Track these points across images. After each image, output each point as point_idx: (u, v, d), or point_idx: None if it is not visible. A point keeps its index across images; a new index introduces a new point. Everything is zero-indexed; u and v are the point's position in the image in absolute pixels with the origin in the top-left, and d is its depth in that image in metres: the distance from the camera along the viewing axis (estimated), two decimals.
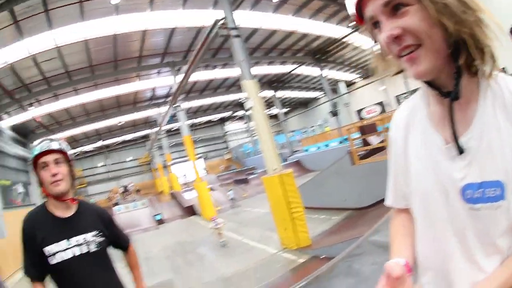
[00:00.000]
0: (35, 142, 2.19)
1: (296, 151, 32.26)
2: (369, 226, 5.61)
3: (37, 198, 26.83)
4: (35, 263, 2.07)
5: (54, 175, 2.05)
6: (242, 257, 10.29)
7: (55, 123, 28.18)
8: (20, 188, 24.92)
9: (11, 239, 20.10)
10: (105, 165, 44.85)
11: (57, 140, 2.16)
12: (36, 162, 2.11)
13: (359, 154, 11.74)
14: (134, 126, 39.06)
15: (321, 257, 7.67)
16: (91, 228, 2.19)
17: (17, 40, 14.74)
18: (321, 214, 11.95)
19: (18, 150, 25.28)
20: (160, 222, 22.71)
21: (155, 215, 23.33)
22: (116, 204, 27.49)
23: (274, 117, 38.32)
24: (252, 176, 27.84)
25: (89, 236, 2.15)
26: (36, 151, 2.07)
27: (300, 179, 9.61)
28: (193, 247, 13.53)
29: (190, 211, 22.96)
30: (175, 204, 26.45)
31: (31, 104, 21.77)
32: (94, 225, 2.22)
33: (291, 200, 9.00)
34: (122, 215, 23.24)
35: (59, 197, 2.12)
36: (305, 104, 42.57)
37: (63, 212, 2.17)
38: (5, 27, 13.59)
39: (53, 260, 2.03)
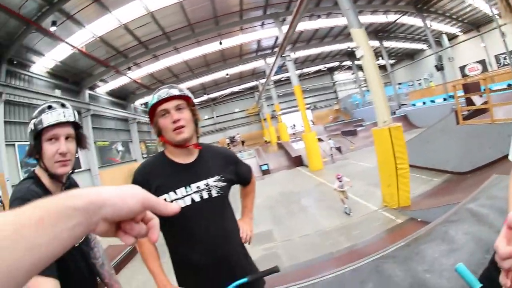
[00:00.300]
0: (154, 93, 2.02)
1: (403, 104, 30.58)
2: (466, 193, 5.29)
3: (138, 154, 30.06)
4: None
5: (175, 121, 1.92)
6: (344, 210, 10.16)
7: (157, 81, 29.83)
8: (119, 147, 27.80)
9: None
10: (212, 117, 46.91)
11: (177, 87, 2.01)
12: (154, 111, 2.00)
13: (462, 113, 10.93)
14: (240, 78, 40.10)
15: (418, 220, 7.52)
16: (213, 173, 2.08)
17: (103, 14, 15.85)
18: (423, 174, 11.37)
19: (117, 112, 28.00)
20: (266, 172, 22.76)
21: (262, 165, 23.42)
22: None
23: (381, 68, 36.18)
24: (360, 128, 27.05)
25: (211, 181, 2.05)
26: (155, 99, 1.96)
27: (406, 134, 9.13)
28: (297, 198, 13.61)
29: (297, 161, 22.75)
30: (282, 155, 26.45)
31: (129, 68, 23.26)
32: (216, 169, 2.11)
33: (397, 155, 8.65)
34: None
35: (182, 145, 2.01)
36: (411, 56, 39.75)
37: (184, 158, 2.07)
38: (86, 6, 14.71)
39: None
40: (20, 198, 1.58)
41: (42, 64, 18.86)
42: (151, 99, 2.00)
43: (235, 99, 47.61)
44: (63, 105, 1.77)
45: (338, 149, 22.64)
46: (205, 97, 43.10)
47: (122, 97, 30.73)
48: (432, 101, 24.92)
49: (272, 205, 12.88)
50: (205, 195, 2.00)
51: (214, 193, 2.03)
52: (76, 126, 1.84)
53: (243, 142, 40.19)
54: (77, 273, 1.75)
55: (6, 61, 15.57)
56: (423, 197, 9.25)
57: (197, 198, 1.98)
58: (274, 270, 2.03)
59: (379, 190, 9.92)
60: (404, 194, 8.71)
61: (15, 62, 16.54)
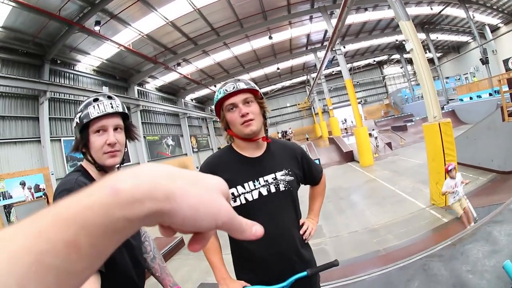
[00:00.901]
0: (218, 86, 2.05)
1: (451, 99, 29.58)
2: (510, 193, 5.23)
3: (188, 148, 30.74)
4: None
5: (244, 115, 1.90)
6: (392, 208, 10.20)
7: (207, 77, 30.25)
8: (169, 141, 28.41)
9: None
10: (266, 118, 47.14)
11: (243, 80, 1.97)
12: (221, 105, 2.00)
13: (508, 110, 10.52)
14: (291, 72, 40.01)
15: None
16: (281, 166, 2.07)
17: (148, 13, 16.15)
18: (469, 172, 11.05)
19: (168, 107, 28.65)
20: None
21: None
22: None
23: (429, 61, 34.92)
24: (410, 123, 26.43)
25: (279, 175, 2.03)
26: (222, 93, 1.93)
27: (455, 131, 8.97)
28: (347, 194, 13.64)
29: (349, 157, 22.64)
30: (334, 149, 26.09)
31: (178, 64, 23.63)
32: (284, 163, 2.09)
33: (447, 152, 8.55)
34: None
35: (250, 138, 1.99)
36: (457, 49, 38.14)
37: (252, 152, 2.06)
38: (130, 6, 15.01)
39: (236, 203, 1.98)
40: (67, 189, 1.54)
41: (88, 62, 19.67)
42: (218, 92, 1.99)
43: (286, 93, 47.96)
44: (109, 97, 1.74)
45: (388, 144, 22.36)
46: None
47: (172, 92, 31.44)
48: (479, 96, 24.03)
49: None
50: (273, 189, 2.00)
51: (282, 187, 2.02)
52: (125, 117, 1.81)
53: (307, 139, 39.98)
54: (123, 267, 1.73)
55: (50, 61, 16.32)
56: (469, 196, 9.05)
57: (264, 192, 1.98)
58: (334, 264, 2.05)
59: (427, 187, 9.82)
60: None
61: (58, 62, 17.36)
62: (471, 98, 25.12)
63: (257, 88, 1.99)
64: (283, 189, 2.02)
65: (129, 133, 1.84)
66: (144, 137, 24.44)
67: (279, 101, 48.14)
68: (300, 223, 2.17)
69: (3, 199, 13.02)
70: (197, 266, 9.76)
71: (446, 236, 4.14)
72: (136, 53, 19.69)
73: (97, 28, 15.07)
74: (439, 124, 8.60)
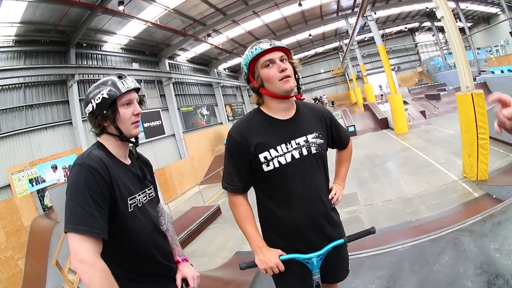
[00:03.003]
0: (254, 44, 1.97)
1: (483, 71, 28.49)
2: None
3: (223, 117, 31.03)
4: (243, 173, 2.00)
5: (283, 70, 1.87)
6: (425, 178, 10.26)
7: (239, 46, 29.88)
8: (204, 111, 28.67)
9: (190, 159, 23.37)
10: (298, 78, 46.86)
11: (273, 41, 1.93)
12: (255, 63, 1.94)
13: None
14: (323, 39, 39.35)
15: (493, 196, 7.41)
16: (312, 129, 2.04)
17: None
18: (500, 148, 10.86)
19: (200, 78, 28.95)
20: (353, 133, 21.98)
21: (348, 127, 22.74)
22: None
23: (460, 31, 33.43)
24: (443, 93, 25.66)
25: (310, 137, 2.00)
26: (258, 49, 1.89)
27: (487, 104, 8.79)
28: (382, 161, 13.76)
29: (384, 124, 22.52)
30: (369, 116, 25.99)
31: (208, 35, 23.37)
32: (314, 126, 2.06)
33: (479, 124, 8.37)
34: None
35: (286, 96, 1.94)
36: (487, 20, 36.03)
37: (283, 114, 2.02)
38: None
39: (269, 166, 1.94)
40: (79, 164, 1.63)
41: (115, 42, 19.73)
42: (247, 53, 1.95)
43: (319, 60, 47.17)
44: (120, 77, 1.88)
45: (422, 113, 21.85)
46: None
47: (204, 63, 31.43)
48: (510, 71, 23.16)
49: (357, 167, 12.91)
50: (305, 152, 1.97)
51: (314, 150, 1.99)
52: (137, 91, 1.94)
53: (332, 102, 39.86)
54: (142, 230, 1.83)
55: (75, 45, 16.44)
56: (499, 173, 8.98)
57: (296, 155, 1.95)
58: (371, 231, 2.05)
59: (460, 159, 9.78)
60: (483, 167, 8.52)
61: (84, 45, 17.51)
62: (502, 72, 24.27)
63: (288, 48, 1.97)
64: (315, 152, 2.00)
65: (141, 105, 1.97)
66: (178, 108, 24.68)
67: (313, 67, 47.46)
68: (329, 188, 2.17)
69: (36, 184, 13.37)
70: (233, 234, 10.08)
71: (477, 212, 4.11)
72: (164, 28, 19.70)
73: (121, 8, 14.96)
74: (471, 94, 8.45)
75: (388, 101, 20.64)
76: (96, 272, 1.41)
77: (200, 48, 27.17)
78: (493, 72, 24.97)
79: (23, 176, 12.98)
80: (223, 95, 32.80)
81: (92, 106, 1.79)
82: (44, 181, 13.69)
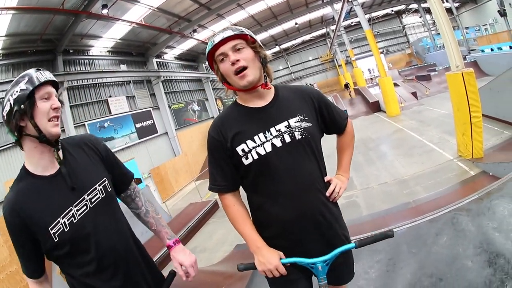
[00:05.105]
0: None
1: (472, 50, 28.59)
2: None
3: (215, 111, 30.85)
4: (225, 171, 1.89)
5: (233, 62, 1.72)
6: (420, 159, 10.35)
7: None
8: (195, 107, 28.66)
9: (184, 156, 23.41)
10: (287, 67, 47.37)
11: (231, 27, 1.79)
12: (213, 58, 1.83)
13: None
14: (310, 26, 39.58)
15: (490, 174, 7.44)
16: (293, 112, 1.85)
17: None
18: (494, 125, 10.84)
19: (189, 74, 29.06)
20: None
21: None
22: None
23: (447, 11, 33.45)
24: (433, 73, 25.78)
25: (292, 122, 1.81)
26: (210, 45, 1.78)
27: (478, 82, 8.78)
28: (376, 145, 13.90)
29: (375, 107, 22.67)
30: (360, 101, 26.15)
31: (194, 31, 23.44)
32: (296, 108, 1.87)
33: (471, 103, 8.42)
34: None
35: (248, 88, 1.80)
36: None
37: (258, 102, 1.87)
38: None
39: (248, 159, 1.79)
40: (3, 215, 1.62)
41: (101, 45, 19.81)
42: (207, 45, 1.83)
43: (307, 47, 47.32)
44: (38, 69, 1.70)
45: (414, 94, 21.99)
46: (277, 48, 43.46)
47: (192, 59, 31.50)
48: (499, 48, 23.26)
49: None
50: (287, 138, 1.79)
51: (298, 135, 1.80)
52: (56, 86, 1.77)
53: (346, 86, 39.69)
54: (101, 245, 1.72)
55: (61, 53, 16.42)
56: (495, 150, 9.03)
57: (278, 143, 1.78)
58: (388, 234, 1.82)
59: (454, 138, 9.80)
60: (477, 145, 8.58)
61: (71, 51, 17.48)
62: (492, 50, 24.32)
63: (247, 32, 1.79)
64: (299, 137, 1.80)
65: (62, 104, 1.78)
66: (169, 106, 24.74)
67: (301, 56, 47.63)
68: (326, 181, 1.93)
69: None
70: (232, 228, 10.00)
71: (473, 190, 4.11)
72: (149, 27, 19.74)
73: (105, 11, 15.06)
74: (462, 73, 8.46)
75: (379, 84, 20.68)
76: None
77: (187, 45, 27.24)
78: (483, 51, 25.12)
79: None
80: (213, 89, 32.88)
81: (10, 103, 1.60)
82: None
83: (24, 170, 1.69)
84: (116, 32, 18.94)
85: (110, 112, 19.58)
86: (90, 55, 19.20)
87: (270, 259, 1.79)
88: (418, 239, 3.71)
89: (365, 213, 8.24)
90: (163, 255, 9.27)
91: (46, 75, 1.67)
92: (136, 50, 23.02)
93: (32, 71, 1.65)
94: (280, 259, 1.80)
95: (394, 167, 10.56)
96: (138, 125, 21.11)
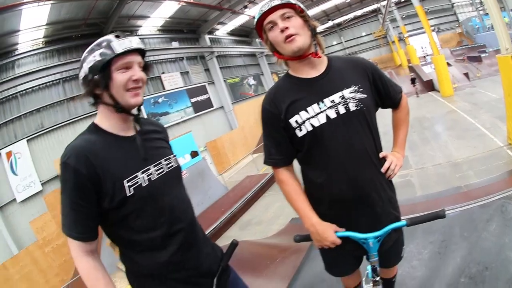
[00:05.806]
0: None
1: None
2: None
3: (271, 85, 31.03)
4: (281, 144, 1.85)
5: (283, 30, 1.67)
6: (473, 142, 10.40)
7: None
8: (251, 81, 28.86)
9: (241, 129, 23.75)
10: (341, 42, 46.72)
11: None
12: (262, 28, 1.79)
13: None
14: (361, 1, 38.67)
15: None
16: (348, 83, 1.77)
17: None
18: None
19: (243, 49, 29.08)
20: None
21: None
22: None
23: None
24: (484, 55, 24.73)
25: (346, 92, 1.75)
26: (258, 14, 1.74)
27: None
28: (430, 124, 13.94)
29: (429, 85, 22.33)
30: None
31: (245, 7, 23.43)
32: (352, 79, 1.80)
33: None
34: None
35: (299, 56, 1.75)
36: None
37: (310, 72, 1.81)
38: None
39: (302, 131, 1.76)
40: (63, 163, 1.44)
41: (150, 24, 20.19)
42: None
43: (359, 23, 46.17)
44: (118, 36, 1.58)
45: (466, 75, 21.40)
46: (330, 23, 42.95)
47: (245, 34, 31.43)
48: None
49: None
50: (342, 110, 1.74)
51: (352, 107, 1.74)
52: (143, 54, 1.66)
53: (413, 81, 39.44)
54: (156, 212, 1.59)
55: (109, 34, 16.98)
56: None
57: (332, 114, 1.73)
58: (439, 215, 1.74)
59: (504, 124, 9.73)
60: None
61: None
62: None
63: (294, 1, 1.73)
64: (354, 108, 1.74)
65: (147, 72, 1.67)
66: (225, 80, 25.00)
67: (353, 31, 46.67)
68: (381, 157, 1.87)
69: None
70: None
71: None
72: (198, 5, 19.95)
73: None
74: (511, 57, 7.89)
75: (432, 63, 20.29)
76: (80, 266, 1.46)
77: (239, 20, 27.21)
78: None
79: None
80: (268, 63, 32.69)
81: (85, 71, 1.52)
82: None
83: (94, 125, 1.60)
84: (164, 11, 19.37)
85: (164, 88, 20.14)
86: (139, 35, 19.56)
87: (326, 235, 1.78)
88: (470, 223, 3.75)
89: (419, 193, 8.33)
90: (217, 227, 9.50)
91: (126, 44, 1.54)
92: (187, 28, 23.26)
93: (110, 38, 1.55)
94: (335, 232, 1.80)
95: (448, 149, 10.64)
96: (193, 100, 21.61)
